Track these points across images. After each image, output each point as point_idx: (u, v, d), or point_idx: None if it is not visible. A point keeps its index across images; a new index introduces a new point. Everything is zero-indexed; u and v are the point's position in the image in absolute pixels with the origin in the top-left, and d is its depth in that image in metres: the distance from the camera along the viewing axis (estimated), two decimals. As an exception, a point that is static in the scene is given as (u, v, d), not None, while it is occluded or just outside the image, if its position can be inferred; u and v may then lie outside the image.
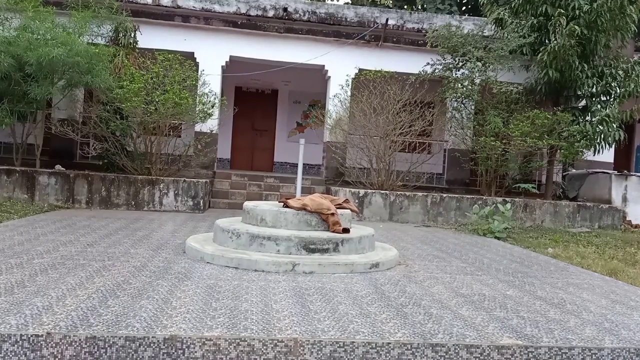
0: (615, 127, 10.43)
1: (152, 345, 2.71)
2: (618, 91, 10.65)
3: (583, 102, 11.09)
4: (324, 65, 11.83)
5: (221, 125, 12.15)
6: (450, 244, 7.07)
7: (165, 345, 2.72)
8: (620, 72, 10.60)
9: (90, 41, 9.41)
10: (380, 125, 10.08)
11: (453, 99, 10.97)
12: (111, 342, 2.69)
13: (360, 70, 11.37)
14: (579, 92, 10.78)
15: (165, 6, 11.67)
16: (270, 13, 12.15)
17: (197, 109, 9.97)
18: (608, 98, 10.81)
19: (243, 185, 11.13)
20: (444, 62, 10.78)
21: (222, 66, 11.52)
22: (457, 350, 2.91)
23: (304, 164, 6.57)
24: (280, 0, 12.21)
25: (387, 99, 10.11)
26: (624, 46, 11.09)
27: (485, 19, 11.61)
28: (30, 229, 6.09)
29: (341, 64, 11.69)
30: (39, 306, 3.08)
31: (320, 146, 12.89)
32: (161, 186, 9.05)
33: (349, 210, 5.55)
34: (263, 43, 11.62)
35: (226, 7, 11.97)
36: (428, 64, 10.83)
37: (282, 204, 5.40)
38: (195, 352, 2.73)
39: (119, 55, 9.54)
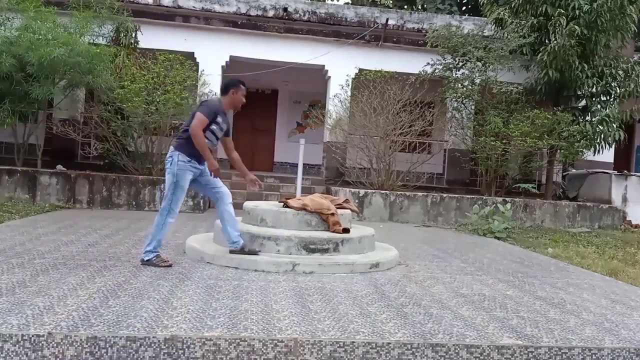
0: (615, 127, 10.43)
1: (152, 345, 2.72)
2: (618, 91, 10.66)
3: (583, 102, 11.09)
4: (324, 65, 11.83)
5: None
6: (450, 244, 7.08)
7: (166, 345, 2.73)
8: (620, 72, 10.61)
9: (91, 41, 9.40)
10: (381, 125, 10.08)
11: (453, 99, 10.97)
12: (112, 342, 2.70)
13: (361, 70, 11.38)
14: (579, 92, 10.78)
15: (166, 6, 11.67)
16: (270, 13, 12.15)
17: (197, 109, 9.97)
18: (608, 98, 10.81)
19: (243, 186, 11.11)
20: (444, 62, 10.78)
21: (222, 66, 11.53)
22: (457, 350, 2.92)
23: (304, 164, 6.59)
24: (280, 0, 12.22)
25: (387, 99, 10.11)
26: (624, 46, 11.09)
27: (485, 19, 11.61)
28: (32, 229, 6.10)
29: (341, 64, 11.69)
30: (40, 306, 3.09)
31: (320, 146, 12.90)
32: (162, 186, 9.05)
33: (349, 210, 5.56)
34: (263, 43, 11.63)
35: (226, 7, 11.97)
36: (428, 64, 10.83)
37: (283, 204, 5.40)
38: (196, 352, 2.74)
39: (120, 55, 9.54)
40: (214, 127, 4.49)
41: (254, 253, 4.66)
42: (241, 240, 4.69)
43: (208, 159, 4.42)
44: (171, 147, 4.58)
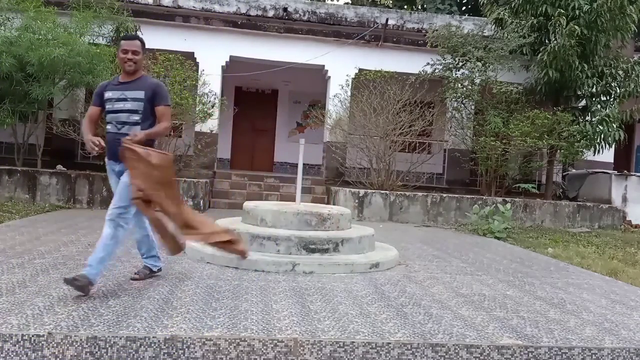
0: (615, 127, 10.44)
1: (152, 345, 2.72)
2: (618, 91, 10.66)
3: (583, 102, 11.09)
4: (324, 65, 11.83)
5: (221, 126, 12.15)
6: (450, 244, 7.08)
7: (166, 345, 2.73)
8: (620, 72, 10.61)
9: (91, 41, 9.40)
10: (380, 125, 10.08)
11: (453, 99, 10.97)
12: (112, 342, 2.70)
13: (360, 70, 11.37)
14: (579, 92, 10.78)
15: (166, 6, 11.68)
16: (270, 13, 12.15)
17: (197, 109, 9.98)
18: (608, 98, 10.81)
19: (243, 185, 11.13)
20: (444, 62, 10.78)
21: (222, 66, 11.52)
22: (457, 350, 2.91)
23: (304, 164, 6.57)
24: (280, 0, 12.22)
25: (387, 99, 10.11)
26: (624, 46, 11.09)
27: (485, 19, 11.62)
28: (32, 229, 6.09)
29: (341, 64, 11.69)
30: (40, 306, 3.09)
31: (320, 146, 12.90)
32: (162, 186, 9.04)
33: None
34: (263, 43, 11.62)
35: (226, 7, 11.98)
36: (428, 64, 10.83)
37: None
38: (196, 352, 2.74)
39: (120, 55, 9.53)
40: (108, 106, 3.81)
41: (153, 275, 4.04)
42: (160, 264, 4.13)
43: (85, 138, 3.76)
44: None
